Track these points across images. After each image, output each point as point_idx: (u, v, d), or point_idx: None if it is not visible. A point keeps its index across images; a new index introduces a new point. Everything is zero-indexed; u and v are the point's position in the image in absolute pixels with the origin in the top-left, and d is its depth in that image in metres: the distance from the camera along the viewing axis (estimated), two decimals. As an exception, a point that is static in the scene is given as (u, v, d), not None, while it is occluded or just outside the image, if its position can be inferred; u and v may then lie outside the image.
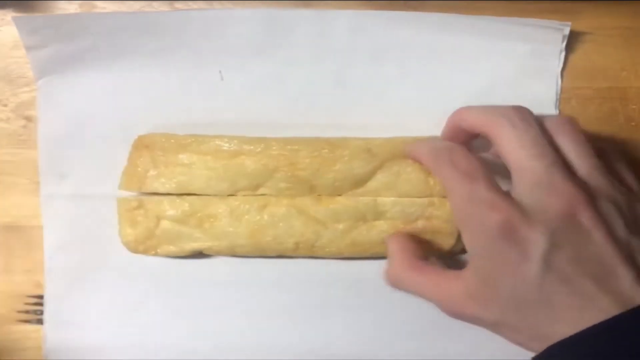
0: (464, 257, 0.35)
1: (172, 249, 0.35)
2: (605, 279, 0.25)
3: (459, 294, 0.27)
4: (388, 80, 0.36)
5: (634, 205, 0.27)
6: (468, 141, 0.32)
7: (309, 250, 0.34)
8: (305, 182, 0.34)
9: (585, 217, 0.25)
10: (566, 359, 0.24)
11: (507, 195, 0.27)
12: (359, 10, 0.35)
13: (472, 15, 0.35)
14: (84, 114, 0.36)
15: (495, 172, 0.29)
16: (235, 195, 0.34)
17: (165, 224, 0.34)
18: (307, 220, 0.34)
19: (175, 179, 0.34)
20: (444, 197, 0.33)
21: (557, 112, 0.36)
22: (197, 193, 0.34)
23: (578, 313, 0.24)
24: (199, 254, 0.35)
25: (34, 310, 0.37)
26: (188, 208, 0.34)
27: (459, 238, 0.33)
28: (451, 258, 0.35)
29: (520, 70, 0.35)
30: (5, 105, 0.37)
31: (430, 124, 0.33)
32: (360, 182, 0.34)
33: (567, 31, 0.35)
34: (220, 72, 0.36)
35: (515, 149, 0.27)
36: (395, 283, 0.31)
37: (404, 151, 0.33)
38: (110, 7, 0.36)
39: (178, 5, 0.36)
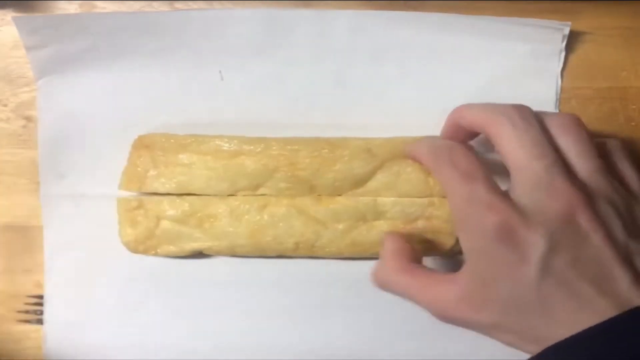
0: (460, 258, 0.35)
1: (172, 249, 0.35)
2: (602, 282, 0.24)
3: (452, 297, 0.27)
4: (388, 80, 0.36)
5: (633, 208, 0.27)
6: (468, 139, 0.31)
7: (309, 250, 0.34)
8: (305, 182, 0.34)
9: (584, 219, 0.25)
10: None
11: (506, 196, 0.26)
12: (359, 10, 0.35)
13: (472, 15, 0.35)
14: (84, 114, 0.36)
15: (495, 171, 0.29)
16: (235, 195, 0.34)
17: (165, 224, 0.34)
18: (307, 220, 0.34)
19: (175, 179, 0.34)
20: (444, 197, 0.33)
21: (557, 112, 0.36)
22: (197, 193, 0.34)
23: (575, 315, 0.24)
24: (199, 254, 0.35)
25: (34, 310, 0.37)
26: (188, 208, 0.34)
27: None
28: (452, 257, 0.35)
29: (520, 70, 0.35)
30: (5, 105, 0.37)
31: (430, 124, 0.33)
32: (360, 182, 0.34)
33: (567, 31, 0.35)
34: (220, 72, 0.36)
35: (515, 149, 0.27)
36: (382, 284, 0.30)
37: (404, 151, 0.33)
38: (110, 7, 0.36)
39: (178, 5, 0.36)
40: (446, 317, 0.27)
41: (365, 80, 0.36)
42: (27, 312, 0.37)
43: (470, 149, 0.29)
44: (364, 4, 0.35)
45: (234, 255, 0.35)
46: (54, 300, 0.36)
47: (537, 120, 0.28)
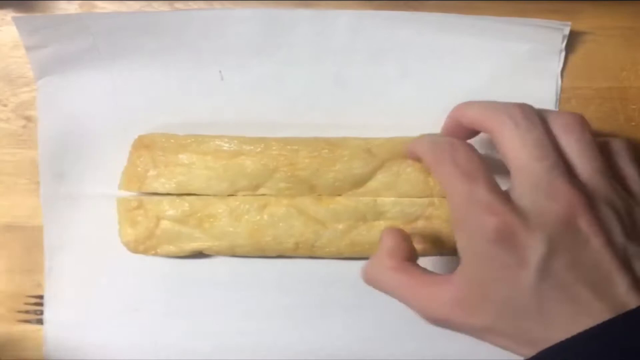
0: (454, 259, 0.35)
1: (172, 249, 0.35)
2: (600, 286, 0.24)
3: (445, 299, 0.26)
4: (388, 80, 0.36)
5: (634, 210, 0.27)
6: (468, 138, 0.31)
7: (309, 250, 0.34)
8: (305, 182, 0.34)
9: (584, 223, 0.25)
10: None
11: (506, 197, 0.26)
12: (359, 10, 0.35)
13: (472, 15, 0.35)
14: (84, 114, 0.36)
15: (496, 170, 0.28)
16: (235, 195, 0.34)
17: (165, 224, 0.34)
18: (307, 220, 0.34)
19: (175, 179, 0.34)
20: (444, 197, 0.33)
21: (561, 110, 0.36)
22: (197, 193, 0.34)
23: (571, 319, 0.24)
24: (199, 254, 0.35)
25: (34, 310, 0.37)
26: (188, 208, 0.34)
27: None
28: (451, 257, 0.35)
29: (520, 70, 0.35)
30: (5, 105, 0.37)
31: (430, 124, 0.33)
32: (360, 182, 0.34)
33: (567, 31, 0.35)
34: (220, 72, 0.36)
35: (517, 149, 0.26)
36: (371, 280, 0.29)
37: (404, 149, 0.32)
38: (110, 7, 0.36)
39: (178, 5, 0.36)
40: (438, 320, 0.27)
41: (365, 80, 0.36)
42: (27, 312, 0.37)
43: (472, 146, 0.28)
44: (364, 4, 0.35)
45: (234, 255, 0.35)
46: (54, 300, 0.36)
47: (540, 120, 0.27)
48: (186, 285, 0.36)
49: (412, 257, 0.29)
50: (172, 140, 0.34)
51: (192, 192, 0.34)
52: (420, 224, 0.34)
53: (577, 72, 0.36)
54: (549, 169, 0.26)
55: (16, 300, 0.37)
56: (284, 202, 0.34)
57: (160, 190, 0.34)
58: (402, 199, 0.34)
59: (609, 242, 0.25)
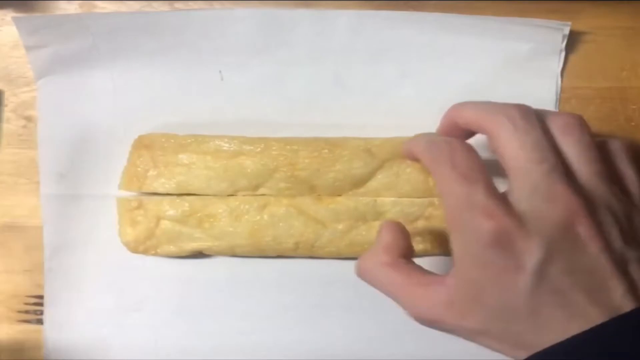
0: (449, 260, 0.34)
1: (172, 249, 0.35)
2: (596, 291, 0.24)
3: (438, 301, 0.26)
4: (388, 80, 0.36)
5: (632, 214, 0.26)
6: (465, 139, 0.30)
7: (309, 250, 0.34)
8: (305, 182, 0.34)
9: (583, 228, 0.25)
10: None
11: (504, 201, 0.25)
12: (359, 10, 0.35)
13: (472, 15, 0.35)
14: (83, 114, 0.36)
15: (493, 171, 0.28)
16: (235, 195, 0.34)
17: (165, 224, 0.34)
18: (306, 220, 0.34)
19: (175, 179, 0.34)
20: (444, 197, 0.33)
21: (559, 111, 0.35)
22: (197, 193, 0.34)
23: (565, 323, 0.24)
24: (199, 254, 0.35)
25: (34, 310, 0.37)
26: (188, 208, 0.34)
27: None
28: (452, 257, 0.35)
29: (520, 70, 0.35)
30: (5, 105, 0.37)
31: (430, 124, 0.33)
32: (360, 182, 0.34)
33: (567, 31, 0.35)
34: (220, 72, 0.36)
35: (514, 151, 0.26)
36: (364, 275, 0.29)
37: (402, 148, 0.32)
38: (110, 7, 0.36)
39: (178, 5, 0.36)
40: (429, 321, 0.27)
41: (364, 80, 0.36)
42: (27, 312, 0.37)
43: (471, 147, 0.28)
44: (364, 4, 0.35)
45: (234, 255, 0.35)
46: (54, 300, 0.36)
47: (538, 121, 0.27)
48: (186, 285, 0.36)
49: (408, 254, 0.29)
50: (172, 140, 0.34)
51: (192, 192, 0.34)
52: (420, 224, 0.34)
53: (577, 72, 0.36)
54: (547, 172, 0.25)
55: (16, 300, 0.37)
56: (284, 202, 0.34)
57: (160, 190, 0.34)
58: (402, 199, 0.34)
59: (607, 247, 0.25)
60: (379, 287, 0.28)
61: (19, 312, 0.37)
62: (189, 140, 0.34)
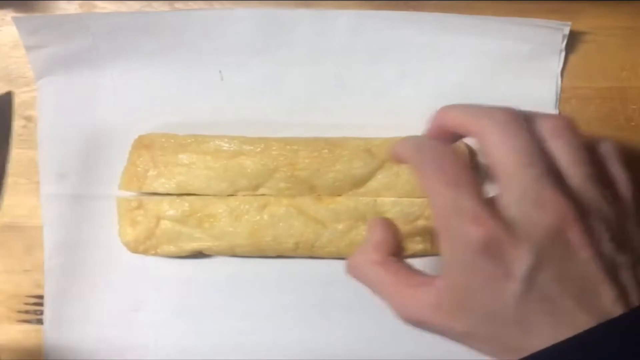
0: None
1: (172, 249, 0.35)
2: (587, 297, 0.24)
3: (426, 302, 0.26)
4: (388, 80, 0.36)
5: (623, 219, 0.26)
6: (453, 141, 0.29)
7: (309, 250, 0.34)
8: (305, 182, 0.34)
9: (573, 234, 0.24)
10: None
11: (492, 207, 0.25)
12: (359, 10, 0.35)
13: (472, 15, 0.35)
14: (84, 114, 0.36)
15: (483, 175, 0.27)
16: (235, 195, 0.34)
17: (165, 224, 0.34)
18: (306, 220, 0.34)
19: (175, 179, 0.34)
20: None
21: (557, 112, 0.36)
22: (197, 193, 0.34)
23: (553, 329, 0.23)
24: (199, 254, 0.35)
25: (34, 310, 0.37)
26: (188, 208, 0.34)
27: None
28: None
29: (520, 70, 0.35)
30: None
31: (429, 124, 0.33)
32: (360, 182, 0.34)
33: (567, 31, 0.35)
34: (220, 72, 0.36)
35: (503, 155, 0.25)
36: (354, 273, 0.28)
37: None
38: (110, 7, 0.36)
39: (178, 5, 0.36)
40: (416, 321, 0.26)
41: (364, 80, 0.36)
42: (27, 312, 0.37)
43: (458, 151, 0.27)
44: (364, 4, 0.35)
45: (234, 255, 0.35)
46: (54, 300, 0.36)
47: (527, 124, 0.26)
48: (186, 285, 0.36)
49: (398, 252, 0.28)
50: (172, 140, 0.34)
51: (192, 192, 0.34)
52: (420, 224, 0.34)
53: (577, 72, 0.36)
54: (537, 176, 0.24)
55: (16, 300, 0.37)
56: (284, 202, 0.34)
57: (160, 190, 0.34)
58: (402, 199, 0.34)
59: (597, 253, 0.24)
60: (368, 285, 0.28)
61: (19, 312, 0.37)
62: (189, 140, 0.34)
